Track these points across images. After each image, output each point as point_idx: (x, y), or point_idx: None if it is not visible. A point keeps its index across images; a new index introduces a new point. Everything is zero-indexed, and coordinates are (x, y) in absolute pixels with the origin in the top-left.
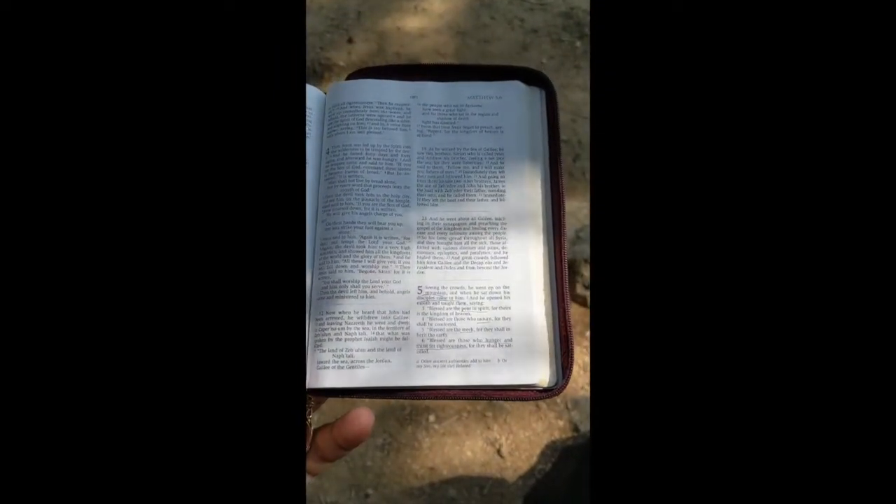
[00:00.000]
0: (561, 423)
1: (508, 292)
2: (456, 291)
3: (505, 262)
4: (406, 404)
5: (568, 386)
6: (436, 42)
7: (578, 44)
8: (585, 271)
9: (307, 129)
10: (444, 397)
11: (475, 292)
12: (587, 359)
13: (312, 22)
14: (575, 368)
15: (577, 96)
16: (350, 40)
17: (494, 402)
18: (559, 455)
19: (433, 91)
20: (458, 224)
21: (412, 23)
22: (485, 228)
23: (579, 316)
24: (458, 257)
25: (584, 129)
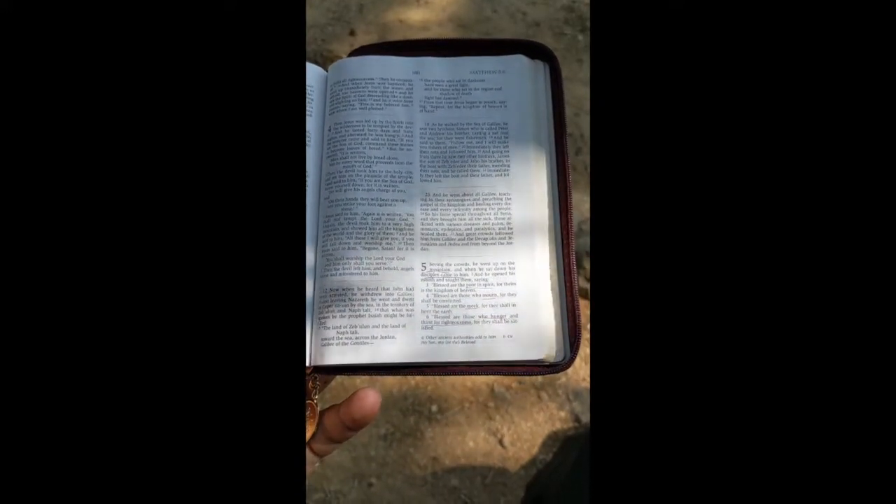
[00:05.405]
0: (562, 413)
1: (514, 268)
2: (460, 268)
3: (510, 238)
4: (409, 395)
5: (569, 377)
6: (438, 35)
7: (581, 37)
8: (587, 264)
9: (308, 107)
10: (450, 373)
11: (480, 268)
12: (588, 350)
13: (314, 14)
14: (576, 360)
15: (579, 90)
16: (352, 33)
17: (496, 392)
18: (560, 445)
19: (435, 66)
20: (462, 199)
21: (415, 15)
22: (489, 204)
23: (581, 308)
24: (463, 233)
25: (586, 123)
